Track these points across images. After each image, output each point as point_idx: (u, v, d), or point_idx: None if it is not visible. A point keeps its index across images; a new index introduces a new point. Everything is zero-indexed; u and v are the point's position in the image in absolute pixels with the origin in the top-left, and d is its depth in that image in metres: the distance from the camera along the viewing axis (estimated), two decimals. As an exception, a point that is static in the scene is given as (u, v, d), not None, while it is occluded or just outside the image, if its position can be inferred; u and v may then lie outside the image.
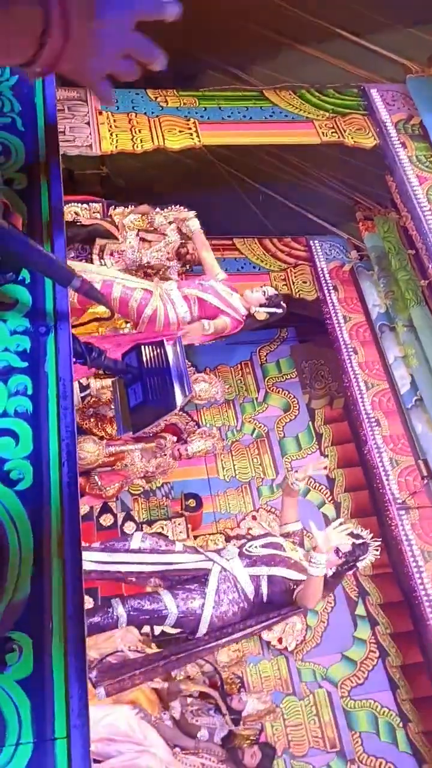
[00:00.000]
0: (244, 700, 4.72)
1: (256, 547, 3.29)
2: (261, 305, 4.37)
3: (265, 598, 3.20)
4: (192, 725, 4.30)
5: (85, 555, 3.06)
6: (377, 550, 3.29)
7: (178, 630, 3.25)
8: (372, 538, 3.31)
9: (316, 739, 6.08)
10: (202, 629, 3.16)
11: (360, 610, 6.64)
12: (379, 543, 3.35)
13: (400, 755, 6.01)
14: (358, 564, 3.26)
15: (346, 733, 6.10)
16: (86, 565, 3.12)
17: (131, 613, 3.11)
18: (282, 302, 4.51)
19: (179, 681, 4.41)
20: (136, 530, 3.48)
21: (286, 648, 6.30)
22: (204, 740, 4.23)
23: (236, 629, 3.22)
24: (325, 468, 3.49)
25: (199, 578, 3.22)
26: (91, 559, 3.14)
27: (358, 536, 3.24)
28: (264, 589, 3.20)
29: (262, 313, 4.38)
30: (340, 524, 3.17)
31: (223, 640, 3.24)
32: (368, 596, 6.67)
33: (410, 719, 6.12)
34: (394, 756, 6.00)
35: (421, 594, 5.35)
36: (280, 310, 4.50)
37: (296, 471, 3.47)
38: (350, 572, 3.37)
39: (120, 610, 3.10)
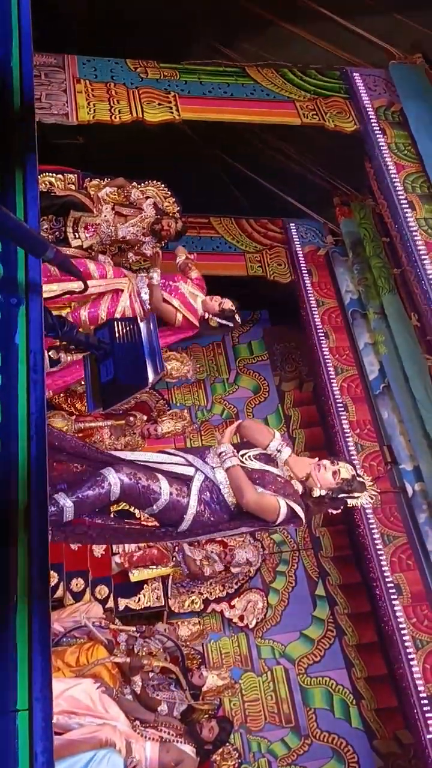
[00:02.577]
0: (204, 675, 4.80)
1: (249, 458, 3.04)
2: (215, 314, 4.62)
3: (244, 511, 2.99)
4: (152, 699, 4.35)
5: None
6: (373, 498, 3.12)
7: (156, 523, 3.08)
8: (371, 485, 3.12)
9: (272, 714, 6.22)
10: (184, 526, 2.95)
11: (320, 590, 6.77)
12: (377, 494, 3.22)
13: (353, 731, 6.19)
14: (350, 500, 3.03)
15: (302, 709, 6.26)
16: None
17: (125, 481, 2.83)
18: (236, 317, 4.73)
19: (141, 656, 4.45)
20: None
21: (246, 625, 6.40)
22: (164, 714, 4.29)
23: (209, 532, 3.06)
24: None
25: (184, 480, 3.02)
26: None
27: (359, 476, 3.08)
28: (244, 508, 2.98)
29: (214, 321, 4.65)
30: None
31: (189, 539, 3.14)
32: (328, 577, 6.80)
33: (363, 697, 6.30)
34: (347, 732, 6.18)
35: (379, 576, 5.47)
36: (231, 325, 4.77)
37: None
38: (333, 507, 3.11)
39: (113, 478, 2.81)
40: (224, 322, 4.67)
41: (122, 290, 4.58)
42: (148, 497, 2.89)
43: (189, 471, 3.03)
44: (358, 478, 3.05)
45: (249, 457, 3.04)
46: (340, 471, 2.99)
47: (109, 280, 4.62)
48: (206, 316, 4.63)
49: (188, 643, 5.67)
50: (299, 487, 3.02)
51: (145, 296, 4.55)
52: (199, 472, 3.02)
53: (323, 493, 2.97)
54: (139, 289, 4.55)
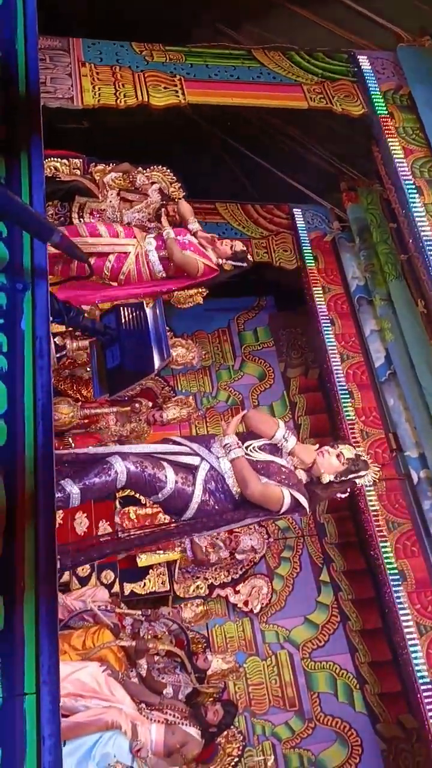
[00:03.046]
0: (209, 659, 4.84)
1: (255, 449, 3.09)
2: (227, 258, 4.58)
3: (248, 502, 3.03)
4: (158, 682, 4.40)
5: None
6: (377, 474, 3.16)
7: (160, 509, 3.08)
8: (373, 464, 3.22)
9: (276, 698, 6.28)
10: (189, 514, 3.00)
11: (324, 576, 6.81)
12: (379, 469, 3.25)
13: (356, 715, 6.25)
14: (358, 479, 3.10)
15: (305, 693, 6.32)
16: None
17: (131, 470, 2.87)
18: (249, 257, 4.72)
19: (147, 640, 4.49)
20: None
21: (251, 610, 6.45)
22: (169, 697, 4.33)
23: (215, 522, 3.07)
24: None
25: (189, 469, 3.06)
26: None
27: (360, 455, 3.14)
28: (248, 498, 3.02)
29: (228, 264, 4.61)
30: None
31: (195, 534, 3.18)
32: (333, 563, 6.83)
33: (367, 681, 6.36)
34: (350, 716, 6.24)
35: (383, 562, 5.49)
36: (245, 265, 4.72)
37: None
38: (342, 491, 3.15)
39: (119, 466, 2.84)
40: (238, 263, 4.68)
41: (128, 252, 4.48)
42: (154, 485, 2.91)
43: (194, 460, 3.05)
44: (361, 457, 3.10)
45: (254, 448, 3.08)
46: (343, 453, 3.05)
47: (117, 241, 4.52)
48: (221, 261, 4.61)
49: (192, 624, 5.70)
50: (304, 477, 3.07)
51: (154, 257, 4.44)
52: (204, 462, 3.04)
53: (332, 478, 3.02)
54: (147, 252, 4.44)
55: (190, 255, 4.49)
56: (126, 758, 3.51)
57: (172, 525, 3.10)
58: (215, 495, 3.00)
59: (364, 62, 5.79)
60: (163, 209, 5.19)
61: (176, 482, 2.94)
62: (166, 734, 4.00)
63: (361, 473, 3.07)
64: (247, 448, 3.06)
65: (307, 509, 3.03)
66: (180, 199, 4.86)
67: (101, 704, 3.78)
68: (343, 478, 3.05)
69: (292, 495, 2.94)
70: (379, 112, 5.56)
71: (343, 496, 3.21)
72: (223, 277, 4.78)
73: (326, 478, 3.03)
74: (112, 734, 3.55)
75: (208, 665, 4.98)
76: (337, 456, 3.05)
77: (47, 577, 1.48)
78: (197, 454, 3.08)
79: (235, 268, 4.70)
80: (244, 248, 4.68)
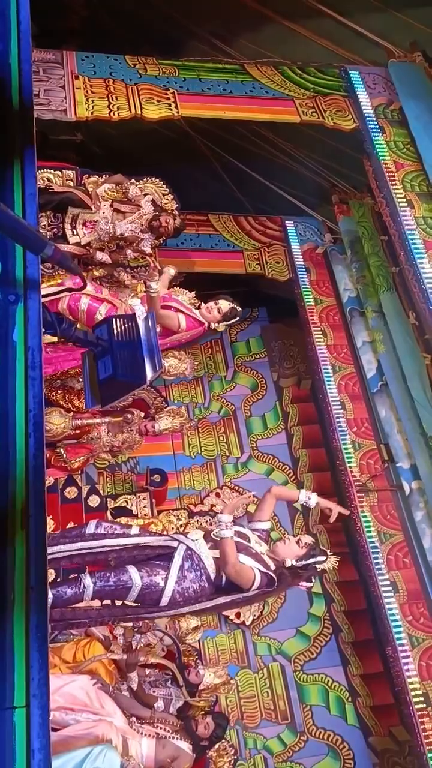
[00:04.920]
0: (201, 673, 4.80)
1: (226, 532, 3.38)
2: (218, 321, 4.69)
3: (223, 583, 3.30)
4: (149, 696, 4.36)
5: (49, 550, 3.08)
6: (336, 563, 3.49)
7: (138, 605, 3.27)
8: (334, 557, 3.52)
9: (268, 711, 6.25)
10: (163, 603, 3.22)
11: (316, 587, 6.78)
12: (339, 558, 3.56)
13: (349, 728, 6.22)
14: (318, 565, 3.40)
15: (298, 706, 6.28)
16: (51, 557, 3.16)
17: (97, 583, 3.16)
18: (237, 309, 4.74)
19: (138, 652, 4.46)
20: (90, 520, 3.57)
21: (243, 622, 6.42)
22: (160, 710, 4.29)
23: (190, 603, 3.31)
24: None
25: (164, 555, 3.31)
26: (54, 552, 3.20)
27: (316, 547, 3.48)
28: (224, 575, 3.28)
29: (221, 326, 4.76)
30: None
31: (171, 612, 3.35)
32: (325, 574, 6.80)
33: (359, 694, 6.33)
34: (343, 729, 6.21)
35: (375, 574, 5.49)
36: (237, 318, 4.85)
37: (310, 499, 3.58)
38: (306, 578, 3.47)
39: (87, 581, 3.15)
40: (231, 322, 4.80)
41: (117, 306, 4.66)
42: (122, 590, 3.20)
43: (173, 543, 3.37)
44: (319, 546, 3.47)
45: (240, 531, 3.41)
46: (302, 539, 3.42)
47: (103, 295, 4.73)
48: (212, 325, 4.72)
49: (188, 637, 5.64)
50: (271, 564, 3.35)
51: (139, 314, 4.53)
52: (181, 544, 3.35)
53: (293, 561, 3.34)
54: (132, 309, 4.54)
55: (169, 311, 4.58)
56: (116, 773, 3.47)
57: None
58: (191, 572, 3.26)
59: (356, 77, 5.87)
60: (155, 222, 5.21)
61: (142, 578, 3.20)
62: (157, 748, 3.96)
63: (320, 558, 3.38)
64: (214, 533, 3.37)
65: (275, 587, 3.31)
66: (168, 268, 4.99)
67: (92, 718, 3.74)
68: (305, 563, 3.35)
69: (261, 573, 3.23)
70: (370, 126, 5.63)
71: (308, 585, 3.54)
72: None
73: (288, 562, 3.32)
74: (103, 748, 3.50)
75: (200, 679, 4.93)
76: (297, 542, 3.39)
77: (37, 590, 1.47)
78: (175, 539, 3.39)
79: (229, 326, 4.88)
80: (231, 305, 4.70)
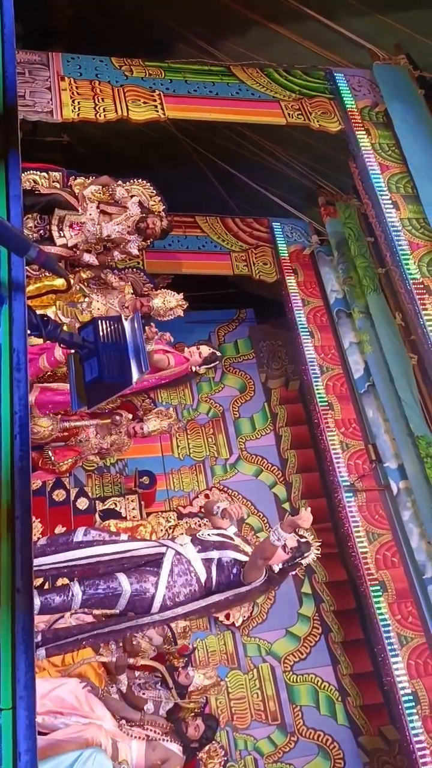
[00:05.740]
0: (190, 675, 4.79)
1: (209, 534, 3.45)
2: (200, 365, 5.15)
3: (214, 584, 3.34)
4: (138, 698, 4.34)
5: (37, 561, 3.06)
6: (318, 549, 3.51)
7: (130, 612, 3.27)
8: (314, 539, 3.53)
9: (258, 712, 6.25)
10: (154, 609, 3.24)
11: (306, 587, 6.80)
12: (320, 544, 3.58)
13: (339, 728, 6.23)
14: (303, 561, 3.43)
15: (288, 707, 6.29)
16: (37, 568, 3.13)
17: (87, 591, 3.16)
18: (216, 353, 5.32)
19: (127, 654, 4.44)
20: (78, 527, 3.58)
21: (233, 623, 6.41)
22: (150, 713, 4.28)
23: (182, 605, 3.33)
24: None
25: (153, 562, 3.33)
26: (43, 563, 3.17)
27: (302, 536, 3.43)
28: (214, 575, 3.33)
29: (203, 369, 5.21)
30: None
31: (165, 617, 3.33)
32: (314, 574, 6.83)
33: (349, 693, 6.35)
34: (333, 728, 6.22)
35: (364, 573, 5.51)
36: (216, 363, 5.38)
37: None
38: (293, 571, 3.56)
39: (76, 590, 3.15)
40: (211, 366, 5.26)
41: None
42: (111, 598, 3.20)
43: (161, 549, 3.39)
44: (302, 540, 3.41)
45: (207, 534, 3.51)
46: (287, 543, 3.35)
47: None
48: (193, 369, 5.12)
49: (179, 639, 5.62)
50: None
51: None
52: (170, 549, 3.37)
53: (281, 566, 3.38)
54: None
55: (158, 354, 4.96)
56: (106, 776, 3.46)
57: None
58: (181, 576, 3.29)
59: (341, 79, 5.91)
60: (142, 223, 5.22)
61: (131, 584, 3.21)
62: (147, 751, 3.95)
63: (306, 554, 3.40)
64: (201, 535, 3.49)
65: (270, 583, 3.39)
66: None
67: (81, 721, 3.72)
68: (291, 563, 3.39)
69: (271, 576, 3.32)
70: (355, 128, 5.66)
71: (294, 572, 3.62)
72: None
73: (276, 568, 3.36)
74: (92, 751, 3.49)
75: (190, 681, 4.93)
76: (283, 548, 3.34)
77: (24, 592, 1.47)
78: (164, 545, 3.41)
79: (210, 369, 5.35)
80: (211, 350, 5.24)
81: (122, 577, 3.21)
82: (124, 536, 3.55)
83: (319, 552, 3.50)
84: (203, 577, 3.31)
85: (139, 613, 3.27)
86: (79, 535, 3.40)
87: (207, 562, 3.34)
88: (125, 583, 3.19)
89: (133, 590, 3.19)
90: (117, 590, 3.18)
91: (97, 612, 3.39)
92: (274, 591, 3.75)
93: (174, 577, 3.26)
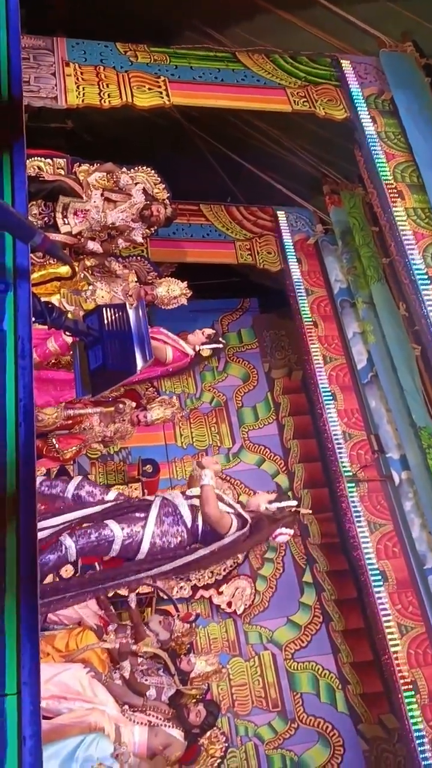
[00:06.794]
0: (192, 662, 4.82)
1: (193, 491, 3.54)
2: (203, 344, 5.05)
3: (200, 531, 3.40)
4: (141, 684, 4.38)
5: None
6: (309, 514, 3.64)
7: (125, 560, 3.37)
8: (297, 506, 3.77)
9: (259, 698, 6.30)
10: (143, 550, 3.29)
11: (307, 576, 6.84)
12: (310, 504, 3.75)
13: (339, 715, 6.28)
14: (290, 507, 3.63)
15: (288, 694, 6.34)
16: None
17: (79, 541, 3.20)
18: (220, 338, 5.30)
19: (130, 641, 4.48)
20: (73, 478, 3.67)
21: (234, 611, 6.46)
22: (152, 699, 4.32)
23: (171, 558, 3.39)
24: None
25: (141, 508, 3.42)
26: (43, 527, 3.18)
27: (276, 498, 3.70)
28: (200, 523, 3.40)
29: (206, 350, 5.09)
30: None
31: (154, 571, 3.39)
32: (316, 564, 6.87)
33: (349, 681, 6.39)
34: (333, 716, 6.27)
35: (365, 563, 5.53)
36: (220, 346, 5.29)
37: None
38: (286, 524, 3.63)
39: (68, 542, 3.18)
40: (214, 345, 5.15)
41: None
42: (104, 545, 3.25)
43: (149, 498, 3.54)
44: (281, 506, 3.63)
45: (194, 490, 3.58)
46: (267, 491, 3.70)
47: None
48: (196, 348, 5.04)
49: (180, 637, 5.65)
50: (246, 514, 3.53)
51: None
52: (158, 496, 3.52)
53: (267, 505, 3.61)
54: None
55: (157, 343, 4.78)
56: (109, 760, 3.50)
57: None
58: (168, 518, 3.37)
59: (347, 67, 5.85)
60: (146, 211, 5.19)
61: (122, 529, 3.27)
62: (149, 736, 3.99)
63: (291, 501, 3.66)
64: (188, 491, 3.57)
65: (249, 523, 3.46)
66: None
67: (84, 706, 3.76)
68: (278, 505, 3.60)
69: (235, 515, 3.42)
70: (361, 116, 5.61)
71: (289, 532, 3.67)
72: (202, 363, 5.52)
73: (262, 507, 3.59)
74: (95, 736, 3.53)
75: (192, 667, 4.96)
76: (265, 491, 3.71)
77: (28, 578, 1.47)
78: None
79: (214, 351, 5.27)
80: (214, 331, 5.25)
81: (113, 524, 3.28)
82: (113, 494, 3.59)
83: (309, 508, 3.78)
84: (189, 522, 3.38)
85: (131, 559, 3.33)
86: (72, 486, 3.52)
87: (193, 509, 3.42)
88: (116, 529, 3.26)
89: (124, 534, 3.26)
90: (109, 537, 3.24)
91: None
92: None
93: (161, 518, 3.35)
